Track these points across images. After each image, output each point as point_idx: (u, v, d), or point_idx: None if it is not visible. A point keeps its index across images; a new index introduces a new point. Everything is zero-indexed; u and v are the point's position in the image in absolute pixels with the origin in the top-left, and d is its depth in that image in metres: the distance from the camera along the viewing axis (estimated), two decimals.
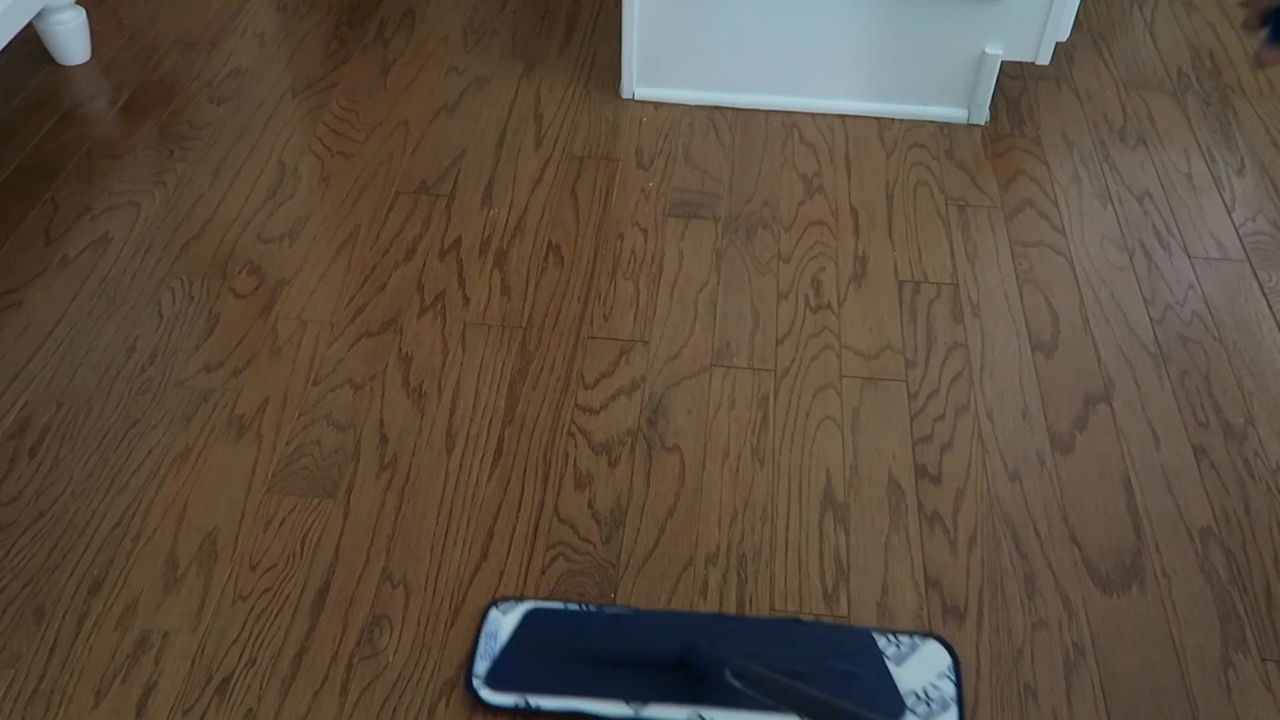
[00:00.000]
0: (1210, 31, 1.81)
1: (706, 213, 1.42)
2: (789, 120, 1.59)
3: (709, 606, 1.01)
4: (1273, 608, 1.02)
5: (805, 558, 1.05)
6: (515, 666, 0.94)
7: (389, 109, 1.58)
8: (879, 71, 1.57)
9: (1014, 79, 1.68)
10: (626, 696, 0.92)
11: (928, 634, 0.98)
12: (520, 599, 1.00)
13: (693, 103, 1.61)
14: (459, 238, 1.38)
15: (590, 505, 1.09)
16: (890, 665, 0.95)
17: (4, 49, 1.46)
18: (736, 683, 0.87)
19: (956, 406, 1.19)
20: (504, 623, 0.98)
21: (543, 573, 1.03)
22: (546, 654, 0.95)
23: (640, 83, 1.61)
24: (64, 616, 0.98)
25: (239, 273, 1.32)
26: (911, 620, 1.00)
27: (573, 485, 1.10)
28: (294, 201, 1.42)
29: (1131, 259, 1.38)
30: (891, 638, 0.97)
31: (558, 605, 0.99)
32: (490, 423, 1.16)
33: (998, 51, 1.52)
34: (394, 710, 0.93)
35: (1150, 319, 1.30)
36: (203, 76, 1.63)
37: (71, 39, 1.62)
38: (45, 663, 0.95)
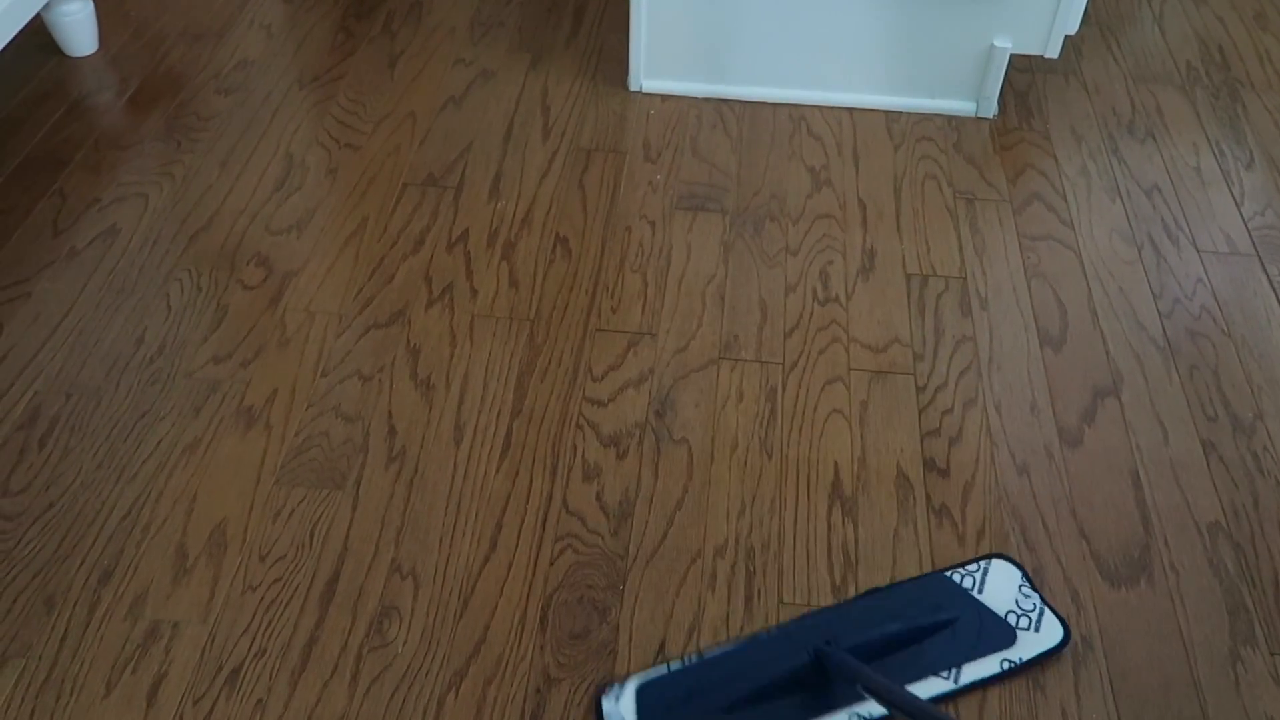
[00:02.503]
0: (1219, 25, 1.80)
1: (714, 205, 1.42)
2: (796, 113, 1.58)
3: (718, 598, 1.01)
4: None
5: (813, 550, 1.05)
6: None
7: (396, 101, 1.58)
8: (887, 64, 1.56)
9: (1022, 72, 1.67)
10: None
11: (988, 555, 1.02)
12: (621, 680, 0.93)
13: (700, 95, 1.61)
14: (466, 230, 1.38)
15: (598, 497, 1.09)
16: (977, 596, 0.99)
17: (12, 40, 1.47)
18: (866, 695, 0.87)
19: (964, 400, 1.19)
20: (620, 709, 0.91)
21: (551, 564, 1.03)
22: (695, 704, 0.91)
23: (648, 75, 1.61)
24: (74, 606, 0.98)
25: (247, 264, 1.32)
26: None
27: (581, 477, 1.10)
28: (301, 193, 1.43)
29: (1140, 253, 1.38)
30: (962, 570, 1.00)
31: (661, 671, 0.93)
32: (498, 415, 1.16)
33: (1006, 45, 1.52)
34: (403, 701, 0.93)
35: (1159, 313, 1.30)
36: (210, 68, 1.63)
37: (79, 30, 1.62)
38: (56, 652, 0.95)
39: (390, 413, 1.16)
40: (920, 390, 1.20)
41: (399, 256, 1.34)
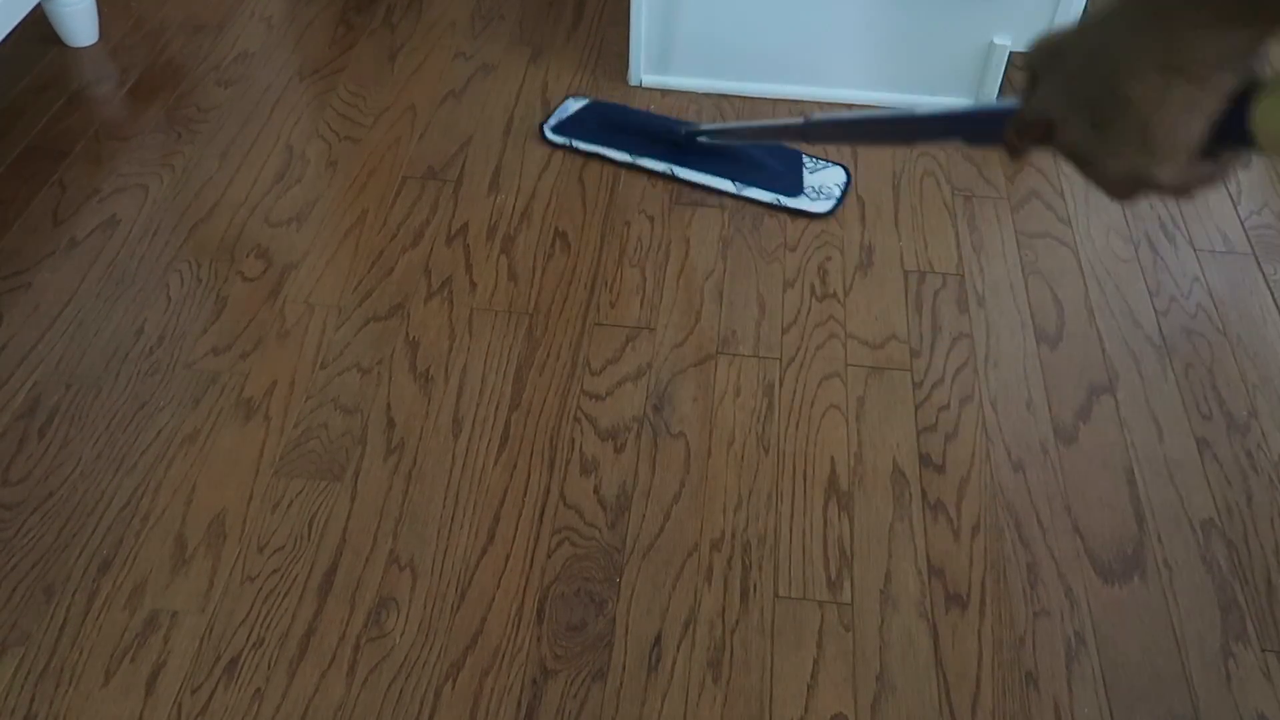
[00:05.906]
0: None
1: (713, 201, 1.43)
2: (796, 109, 1.59)
3: (714, 592, 1.02)
4: (1273, 599, 1.03)
5: (809, 545, 1.06)
6: (572, 126, 1.49)
7: (396, 94, 1.58)
8: (887, 61, 1.56)
9: (1022, 70, 1.67)
10: (630, 151, 1.45)
11: (839, 163, 1.47)
12: (592, 97, 1.56)
13: (700, 91, 1.61)
14: (466, 223, 1.38)
15: (596, 491, 1.09)
16: (805, 171, 1.45)
17: (12, 30, 1.47)
18: (704, 139, 1.40)
19: (961, 396, 1.20)
20: (573, 105, 1.53)
21: (549, 557, 1.04)
22: (593, 123, 1.49)
23: (648, 70, 1.61)
24: (73, 595, 0.99)
25: (247, 256, 1.32)
26: (914, 608, 1.01)
27: (579, 471, 1.11)
28: (301, 185, 1.43)
29: (1137, 251, 1.39)
30: (813, 160, 1.47)
31: (616, 102, 1.56)
32: (497, 408, 1.16)
33: (1006, 42, 1.52)
34: (400, 692, 0.94)
35: (1155, 311, 1.31)
36: (210, 59, 1.63)
37: (79, 20, 1.62)
38: (55, 641, 0.96)
39: (389, 405, 1.16)
40: (917, 386, 1.21)
41: (398, 249, 1.34)
